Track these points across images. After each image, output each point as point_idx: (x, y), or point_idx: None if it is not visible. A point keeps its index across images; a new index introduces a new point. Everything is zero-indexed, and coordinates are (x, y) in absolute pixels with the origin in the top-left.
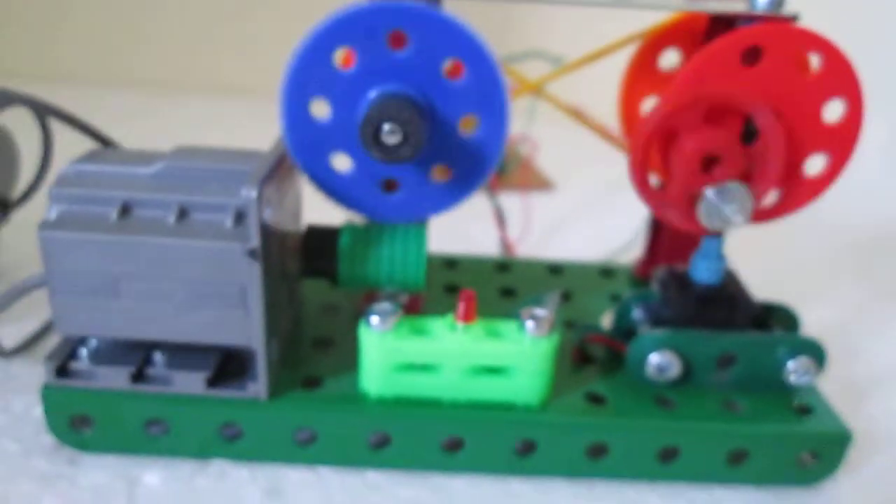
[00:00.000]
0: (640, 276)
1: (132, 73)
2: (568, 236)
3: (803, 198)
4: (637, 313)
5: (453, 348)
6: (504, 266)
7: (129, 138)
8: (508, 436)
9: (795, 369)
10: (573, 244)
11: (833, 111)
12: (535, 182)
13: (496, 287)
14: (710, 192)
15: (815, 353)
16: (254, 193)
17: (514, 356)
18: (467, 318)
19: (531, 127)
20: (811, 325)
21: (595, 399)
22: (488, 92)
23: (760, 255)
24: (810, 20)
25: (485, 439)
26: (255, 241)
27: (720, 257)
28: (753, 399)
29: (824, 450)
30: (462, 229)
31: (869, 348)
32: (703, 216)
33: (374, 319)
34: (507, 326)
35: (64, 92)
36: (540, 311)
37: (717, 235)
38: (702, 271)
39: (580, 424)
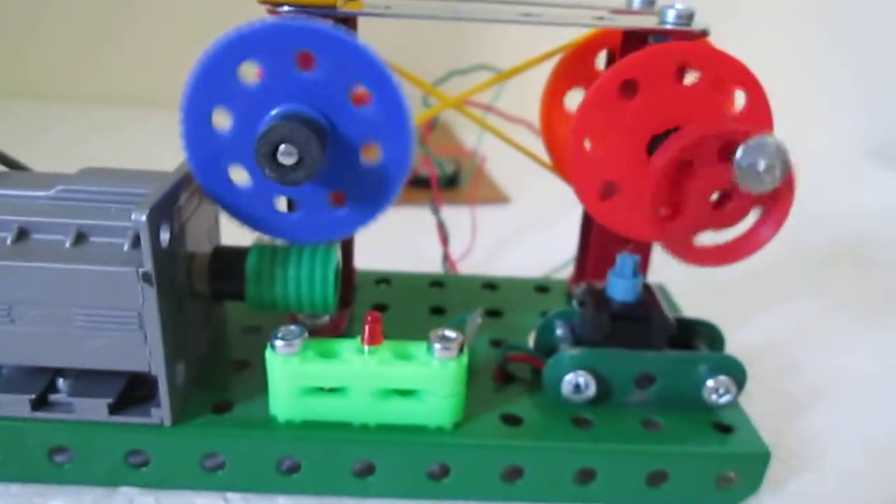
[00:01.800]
0: (572, 293)
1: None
2: (517, 251)
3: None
4: (560, 331)
5: (360, 371)
6: (438, 283)
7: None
8: (420, 459)
9: (715, 388)
10: (521, 259)
11: None
12: (490, 196)
13: (428, 305)
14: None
15: (735, 372)
16: (143, 217)
17: (422, 379)
18: (373, 340)
19: (483, 141)
20: (752, 338)
21: (511, 420)
22: (393, 121)
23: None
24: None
25: (396, 463)
26: (148, 265)
27: (635, 274)
28: (673, 418)
29: (743, 469)
30: (409, 243)
31: (811, 362)
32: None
33: (279, 343)
34: (416, 348)
35: None
36: (449, 333)
37: (634, 256)
38: (617, 289)
39: (493, 446)
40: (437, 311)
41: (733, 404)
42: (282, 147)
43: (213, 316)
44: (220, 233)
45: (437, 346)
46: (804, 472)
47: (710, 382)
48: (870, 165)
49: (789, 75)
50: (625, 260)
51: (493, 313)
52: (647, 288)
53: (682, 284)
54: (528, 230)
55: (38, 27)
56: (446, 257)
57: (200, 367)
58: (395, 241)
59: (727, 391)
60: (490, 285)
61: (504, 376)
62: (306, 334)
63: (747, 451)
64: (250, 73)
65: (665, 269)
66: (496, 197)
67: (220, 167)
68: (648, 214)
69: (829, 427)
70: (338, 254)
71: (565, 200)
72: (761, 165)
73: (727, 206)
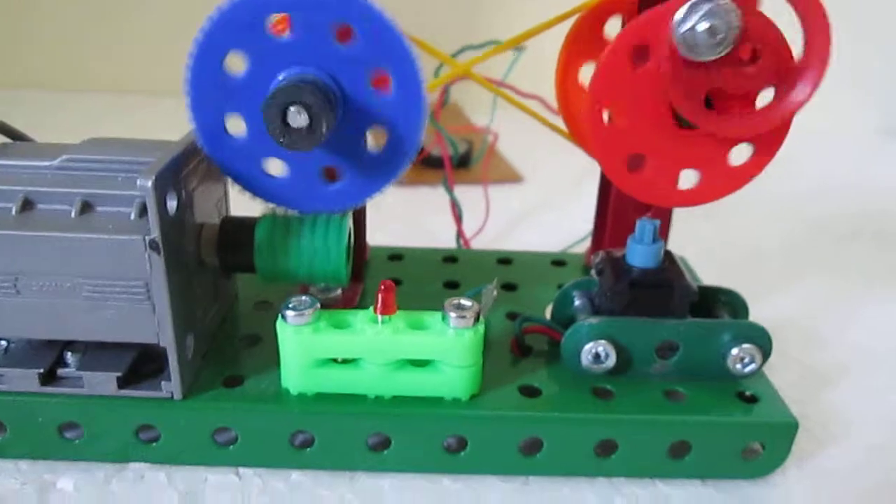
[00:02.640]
0: (589, 264)
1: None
2: (531, 229)
3: (725, 186)
4: (578, 301)
5: (373, 342)
6: (451, 258)
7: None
8: (437, 432)
9: (740, 356)
10: (536, 237)
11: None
12: (503, 175)
13: (442, 280)
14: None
15: (761, 340)
16: (149, 183)
17: (437, 349)
18: (386, 310)
19: (495, 120)
20: (776, 312)
21: (530, 392)
22: (407, 115)
23: (725, 243)
24: None
25: (412, 436)
26: (155, 233)
27: (655, 239)
28: (696, 388)
29: (770, 440)
30: (422, 222)
31: (833, 336)
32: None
33: (290, 313)
34: (431, 318)
35: None
36: (465, 302)
37: (654, 221)
38: (636, 255)
39: (511, 418)
40: (451, 285)
41: (758, 374)
42: (293, 108)
43: (223, 291)
44: (230, 204)
45: (452, 315)
46: (830, 444)
47: (734, 351)
48: (888, 143)
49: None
50: (644, 225)
51: (508, 287)
52: (667, 254)
53: (701, 260)
54: (541, 208)
55: (41, 16)
56: (460, 235)
57: (211, 342)
58: (407, 221)
59: (752, 360)
60: (505, 260)
61: (521, 348)
62: (318, 305)
63: (774, 422)
64: (280, 24)
65: (685, 244)
66: (509, 176)
67: (219, 111)
68: (588, 117)
69: (854, 400)
70: (350, 224)
71: (579, 178)
72: (702, 26)
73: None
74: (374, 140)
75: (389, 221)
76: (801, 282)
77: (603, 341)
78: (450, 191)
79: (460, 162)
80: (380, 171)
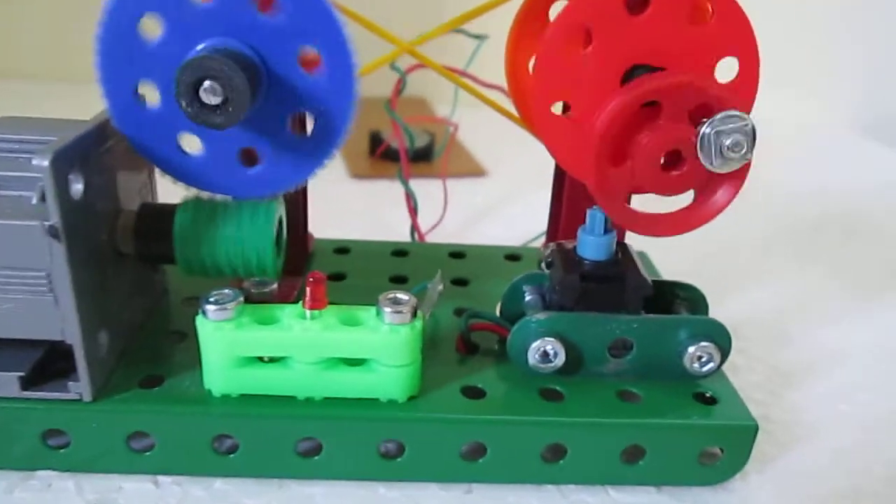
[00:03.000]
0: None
1: None
2: (492, 224)
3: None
4: (528, 297)
5: (301, 338)
6: (401, 252)
7: None
8: (371, 436)
9: (698, 355)
10: (496, 232)
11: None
12: (466, 168)
13: (388, 274)
14: (706, 129)
15: (719, 337)
16: (46, 162)
17: (370, 346)
18: (315, 303)
19: (461, 112)
20: (740, 309)
21: (473, 393)
22: (336, 100)
23: (689, 239)
24: None
25: (345, 441)
26: (54, 218)
27: (607, 230)
28: (652, 389)
29: (729, 444)
30: (377, 217)
31: (799, 334)
32: (706, 157)
33: (210, 308)
34: (365, 313)
35: None
36: (402, 296)
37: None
38: (587, 246)
39: (453, 421)
40: (399, 280)
41: (717, 374)
42: (206, 83)
43: (149, 284)
44: (157, 190)
45: (387, 309)
46: (794, 447)
47: (691, 349)
48: (864, 141)
49: (784, 49)
50: (595, 215)
51: (459, 282)
52: (621, 246)
53: (664, 257)
54: (504, 203)
55: (26, 6)
56: (414, 229)
57: (132, 339)
58: (364, 216)
59: (710, 359)
60: (457, 254)
61: (467, 347)
62: (241, 298)
63: (733, 424)
64: None
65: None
66: (472, 170)
67: (131, 77)
68: (594, 154)
69: (820, 401)
70: (280, 212)
71: (544, 172)
72: (726, 142)
73: (677, 171)
74: (297, 125)
75: (345, 215)
76: (768, 279)
77: (551, 339)
78: (405, 182)
79: (422, 155)
80: (305, 157)
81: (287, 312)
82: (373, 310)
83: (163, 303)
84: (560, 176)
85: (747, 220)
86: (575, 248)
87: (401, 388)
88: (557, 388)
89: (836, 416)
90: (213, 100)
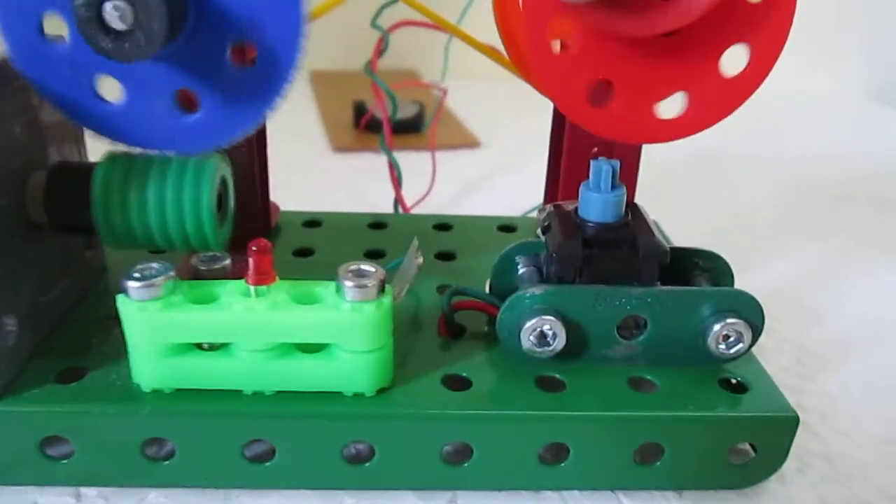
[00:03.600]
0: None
1: None
2: (486, 196)
3: (722, 105)
4: (522, 269)
5: (245, 320)
6: (379, 224)
7: None
8: (334, 437)
9: (724, 334)
10: (491, 203)
11: None
12: (459, 139)
13: (363, 248)
14: None
15: (749, 312)
16: None
17: (329, 328)
18: (261, 278)
19: (455, 82)
20: (762, 283)
21: (457, 383)
22: (280, 20)
23: (708, 205)
24: None
25: (302, 443)
26: None
27: (615, 185)
28: (670, 376)
29: (763, 439)
30: (362, 192)
31: (831, 310)
32: None
33: (133, 284)
34: (323, 289)
35: None
36: (367, 267)
37: (612, 161)
38: (591, 206)
39: (431, 417)
40: (375, 254)
41: (747, 356)
42: (109, 4)
43: (79, 260)
44: (86, 149)
45: (348, 284)
46: (836, 441)
47: (716, 327)
48: (878, 106)
49: (798, 17)
50: (601, 167)
51: (444, 256)
52: (632, 207)
53: (678, 227)
54: (498, 175)
55: None
56: (398, 201)
57: (53, 326)
58: (346, 189)
59: (739, 338)
60: (443, 225)
61: (450, 329)
62: (172, 273)
63: (768, 416)
64: None
65: (660, 208)
66: (465, 141)
67: (34, 6)
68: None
69: (861, 386)
70: (223, 171)
71: (542, 141)
72: None
73: None
74: (240, 56)
75: (324, 190)
76: (793, 250)
77: (549, 317)
78: (387, 150)
79: (410, 126)
80: (250, 96)
81: (228, 289)
82: (332, 285)
83: (101, 283)
84: (558, 122)
85: (764, 192)
86: (576, 209)
87: (368, 379)
88: (557, 375)
89: (880, 401)
90: (120, 25)
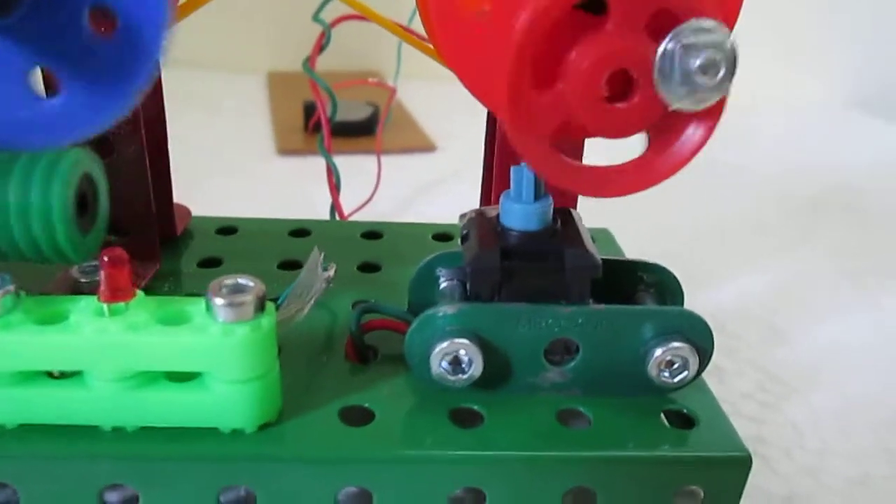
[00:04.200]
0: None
1: None
2: (437, 201)
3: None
4: (444, 283)
5: (96, 344)
6: (301, 231)
7: None
8: (208, 481)
9: (666, 360)
10: (441, 210)
11: None
12: (413, 142)
13: (279, 259)
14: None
15: (697, 335)
16: None
17: (196, 354)
18: (115, 294)
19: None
20: (725, 300)
21: (356, 417)
22: None
23: (674, 215)
24: None
25: (170, 490)
26: None
27: (538, 194)
28: (605, 408)
29: (713, 481)
30: (305, 196)
31: (799, 331)
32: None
33: None
34: (193, 307)
35: None
36: (244, 281)
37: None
38: (513, 215)
39: (321, 460)
40: (291, 265)
41: (695, 385)
42: None
43: None
44: None
45: (218, 301)
46: (801, 480)
47: (658, 352)
48: (859, 115)
49: (777, 24)
50: (521, 173)
51: (369, 268)
52: (561, 212)
53: (633, 238)
54: (451, 180)
55: None
56: (335, 207)
57: None
58: (283, 195)
59: (684, 365)
60: (372, 234)
61: (359, 353)
62: (11, 287)
63: (718, 456)
64: None
65: (609, 221)
66: (419, 144)
67: None
68: (510, 69)
69: (828, 416)
70: (88, 168)
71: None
72: (696, 62)
73: (624, 103)
74: (100, 26)
75: (263, 195)
76: (760, 264)
77: (463, 339)
78: (325, 152)
79: (363, 128)
80: (116, 72)
81: (81, 306)
82: (202, 302)
83: None
84: (492, 126)
85: (734, 201)
86: (499, 215)
87: (247, 413)
88: (475, 407)
89: (850, 433)
90: None
